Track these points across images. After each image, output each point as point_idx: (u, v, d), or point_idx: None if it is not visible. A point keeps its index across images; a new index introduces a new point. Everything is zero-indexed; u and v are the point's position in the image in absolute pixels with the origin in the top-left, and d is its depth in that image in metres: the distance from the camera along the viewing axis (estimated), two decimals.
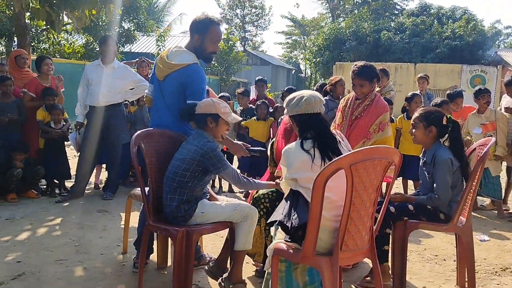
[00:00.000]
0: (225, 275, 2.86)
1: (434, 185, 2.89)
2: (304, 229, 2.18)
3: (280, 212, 2.37)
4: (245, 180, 2.79)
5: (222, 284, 2.83)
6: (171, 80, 2.98)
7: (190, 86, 2.92)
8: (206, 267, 3.05)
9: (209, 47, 3.03)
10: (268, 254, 2.38)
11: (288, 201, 2.38)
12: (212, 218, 2.74)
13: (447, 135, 3.01)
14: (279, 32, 44.65)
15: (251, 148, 3.03)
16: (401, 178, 5.45)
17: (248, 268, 3.19)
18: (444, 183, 2.84)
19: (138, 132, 2.87)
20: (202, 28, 2.99)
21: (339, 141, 2.47)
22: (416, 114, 3.07)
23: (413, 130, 3.05)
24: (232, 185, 2.80)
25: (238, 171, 2.80)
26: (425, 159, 3.03)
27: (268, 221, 2.48)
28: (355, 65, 3.40)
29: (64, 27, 11.41)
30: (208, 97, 3.14)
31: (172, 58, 3.00)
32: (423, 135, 3.00)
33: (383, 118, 3.30)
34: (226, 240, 2.98)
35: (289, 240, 2.30)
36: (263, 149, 3.08)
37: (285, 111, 2.54)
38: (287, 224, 2.27)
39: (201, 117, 2.75)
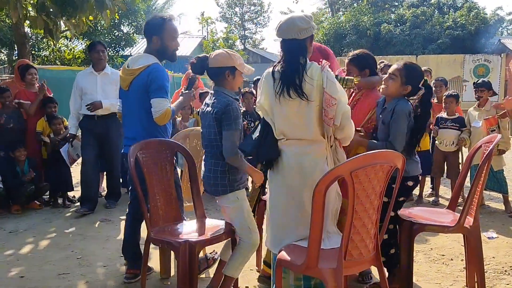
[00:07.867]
0: None
1: (390, 134, 2.76)
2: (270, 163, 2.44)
3: (249, 142, 2.51)
4: (239, 156, 2.56)
5: None
6: (134, 86, 2.95)
7: (151, 84, 2.88)
8: None
9: (170, 45, 3.04)
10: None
11: (259, 133, 2.48)
12: (232, 212, 2.69)
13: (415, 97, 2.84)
14: None
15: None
16: None
17: (252, 274, 3.15)
18: (401, 133, 2.74)
19: (136, 143, 2.82)
20: (158, 29, 2.99)
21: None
22: (396, 66, 2.83)
23: (389, 81, 2.82)
24: (224, 154, 2.59)
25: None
26: (385, 106, 2.84)
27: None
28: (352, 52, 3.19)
29: (63, 34, 11.40)
30: (195, 88, 3.09)
31: (132, 64, 2.98)
32: (396, 90, 2.80)
33: (373, 113, 3.00)
34: (220, 261, 2.89)
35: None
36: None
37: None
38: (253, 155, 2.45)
39: (218, 70, 2.64)
